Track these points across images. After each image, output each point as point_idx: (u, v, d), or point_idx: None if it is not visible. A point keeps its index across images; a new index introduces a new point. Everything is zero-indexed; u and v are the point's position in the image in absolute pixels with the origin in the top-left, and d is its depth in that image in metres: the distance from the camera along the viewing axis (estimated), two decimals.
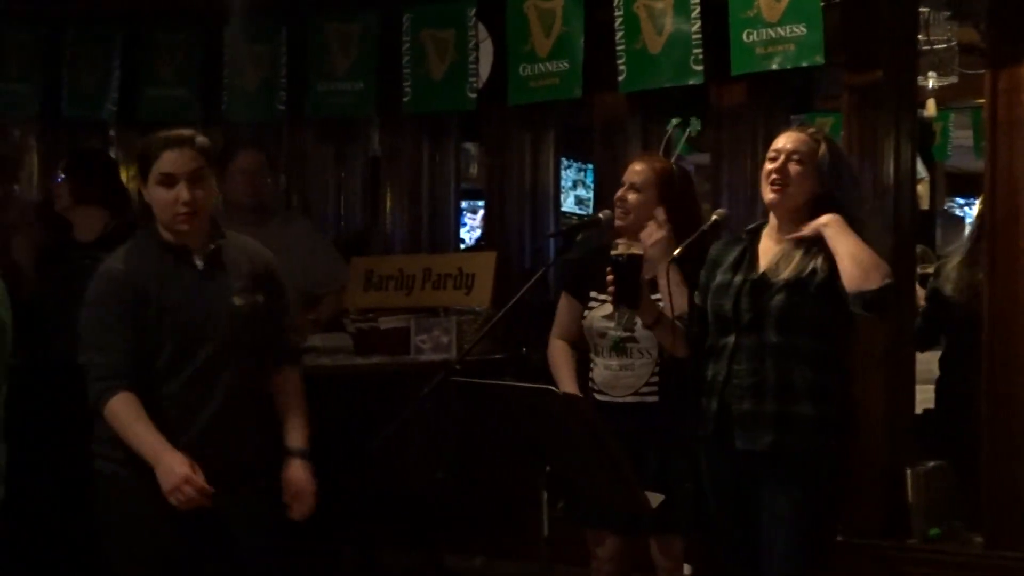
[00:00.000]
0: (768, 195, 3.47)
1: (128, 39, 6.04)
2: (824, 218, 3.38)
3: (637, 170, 3.90)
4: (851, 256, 3.30)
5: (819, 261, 3.37)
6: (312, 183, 6.11)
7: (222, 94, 5.94)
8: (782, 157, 3.44)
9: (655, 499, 3.21)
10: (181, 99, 5.98)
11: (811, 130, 3.55)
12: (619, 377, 3.86)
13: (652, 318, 3.56)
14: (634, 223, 3.79)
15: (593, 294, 3.94)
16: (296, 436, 3.46)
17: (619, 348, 3.85)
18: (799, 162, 3.43)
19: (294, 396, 3.51)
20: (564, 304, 4.10)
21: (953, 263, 5.18)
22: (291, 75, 5.85)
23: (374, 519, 4.77)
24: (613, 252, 3.47)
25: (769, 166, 3.47)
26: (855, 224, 3.40)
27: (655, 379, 3.84)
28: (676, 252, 3.51)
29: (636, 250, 3.48)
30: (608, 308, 3.83)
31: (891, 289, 3.30)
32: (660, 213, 3.73)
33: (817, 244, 3.40)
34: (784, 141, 3.48)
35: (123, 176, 5.22)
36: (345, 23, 5.77)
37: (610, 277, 3.45)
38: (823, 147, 3.46)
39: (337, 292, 5.30)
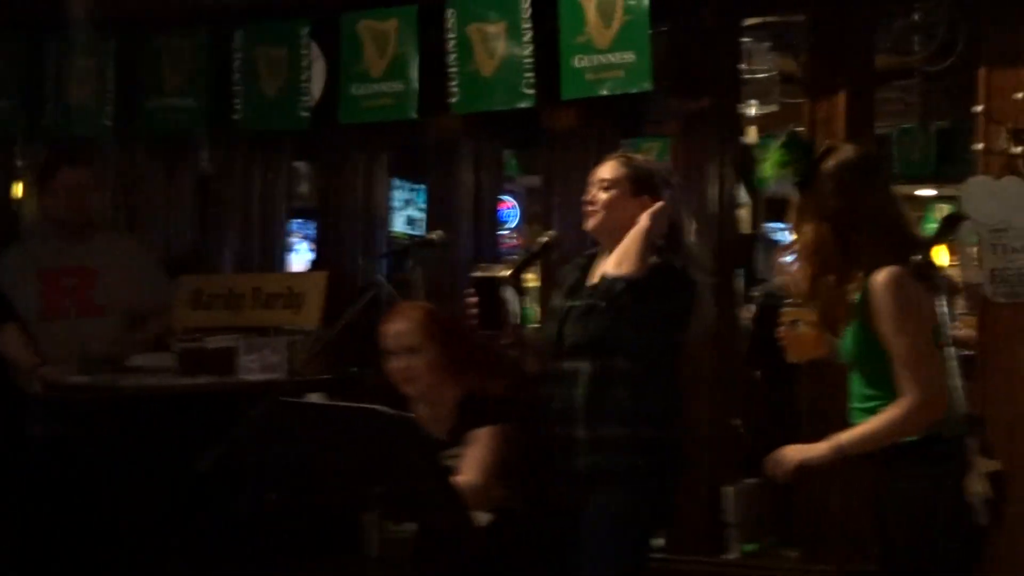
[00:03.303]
0: (585, 224, 3.56)
1: None
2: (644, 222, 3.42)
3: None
4: (623, 246, 3.37)
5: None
6: (140, 200, 5.99)
7: (46, 108, 5.78)
8: (593, 187, 3.54)
9: (483, 518, 3.24)
10: (2, 112, 5.80)
11: (621, 157, 3.61)
12: None
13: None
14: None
15: None
16: None
17: None
18: (607, 188, 3.51)
19: None
20: None
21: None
22: (119, 90, 5.73)
23: (201, 541, 4.68)
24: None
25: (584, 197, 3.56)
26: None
27: None
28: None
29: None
30: None
31: (621, 282, 3.33)
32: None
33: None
34: (596, 171, 3.58)
35: None
36: (176, 38, 5.68)
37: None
38: (629, 170, 3.53)
39: (163, 311, 5.20)
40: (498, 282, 3.46)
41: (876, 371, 2.91)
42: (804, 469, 3.01)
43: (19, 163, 6.11)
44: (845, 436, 2.95)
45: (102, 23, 5.70)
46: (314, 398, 3.74)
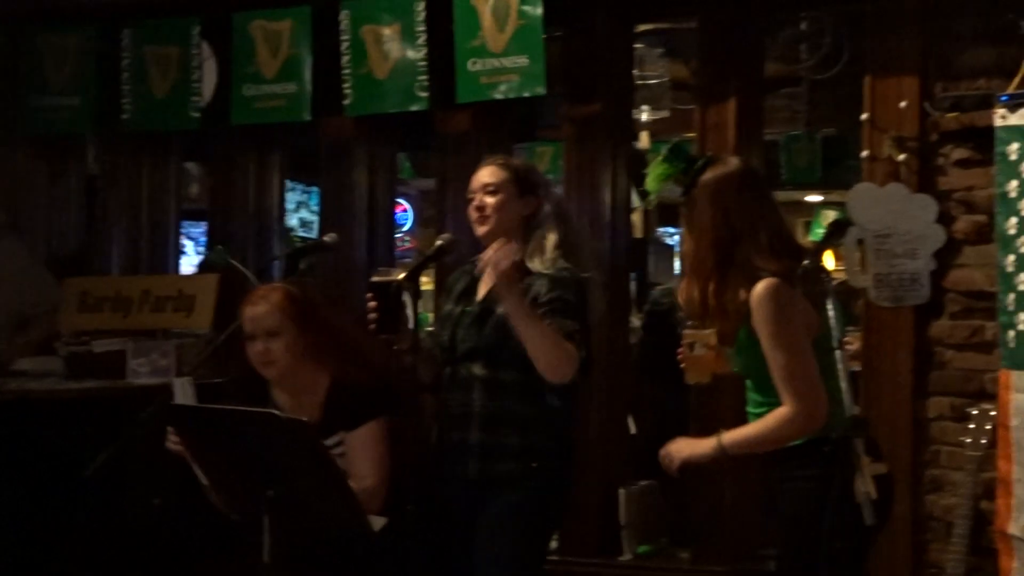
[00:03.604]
0: (477, 231, 3.56)
1: None
2: (498, 287, 3.27)
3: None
4: (537, 350, 3.25)
5: (532, 291, 3.42)
6: (24, 201, 5.85)
7: None
8: (478, 193, 3.53)
9: (378, 522, 3.22)
10: None
11: (498, 160, 3.61)
12: None
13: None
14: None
15: None
16: None
17: None
18: (493, 192, 3.51)
19: None
20: None
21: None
22: (3, 87, 5.60)
23: (88, 547, 4.60)
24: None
25: (471, 206, 3.55)
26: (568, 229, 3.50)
27: None
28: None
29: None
30: None
31: (579, 374, 3.35)
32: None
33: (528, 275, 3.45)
34: (476, 178, 3.56)
35: None
36: (61, 35, 5.57)
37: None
38: (510, 172, 3.53)
39: (48, 313, 5.10)
40: (396, 286, 3.43)
41: (766, 378, 2.96)
42: (690, 465, 3.06)
43: None
44: (728, 435, 3.01)
45: None
46: (179, 393, 3.63)
